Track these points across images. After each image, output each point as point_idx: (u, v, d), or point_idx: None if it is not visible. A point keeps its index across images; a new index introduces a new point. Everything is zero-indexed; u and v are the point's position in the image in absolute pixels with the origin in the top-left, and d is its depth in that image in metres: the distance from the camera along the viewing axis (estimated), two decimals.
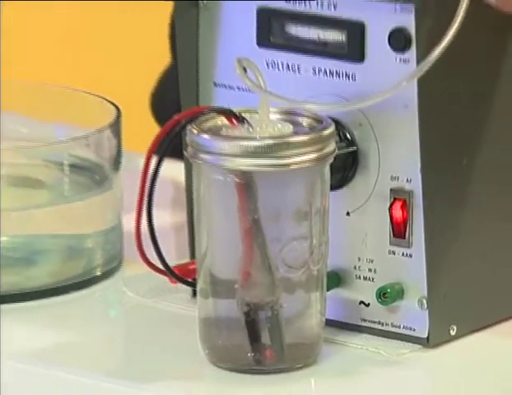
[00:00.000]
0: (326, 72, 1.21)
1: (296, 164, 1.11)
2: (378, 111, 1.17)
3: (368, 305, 1.20)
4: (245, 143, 1.11)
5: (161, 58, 1.84)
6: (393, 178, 1.18)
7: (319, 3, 1.20)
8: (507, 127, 1.25)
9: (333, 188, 1.17)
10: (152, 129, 1.61)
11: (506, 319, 1.25)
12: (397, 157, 1.18)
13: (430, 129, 1.17)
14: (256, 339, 1.13)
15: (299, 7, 1.21)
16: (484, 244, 1.24)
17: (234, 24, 1.25)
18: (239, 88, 1.21)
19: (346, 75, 1.19)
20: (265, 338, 1.13)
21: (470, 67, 1.19)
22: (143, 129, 1.56)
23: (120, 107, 1.36)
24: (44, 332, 1.25)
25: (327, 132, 1.13)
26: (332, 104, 1.18)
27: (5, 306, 1.28)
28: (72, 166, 1.36)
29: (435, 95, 1.17)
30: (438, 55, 1.11)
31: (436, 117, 1.18)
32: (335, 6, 1.19)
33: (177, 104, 1.29)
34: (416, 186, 1.17)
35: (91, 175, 1.37)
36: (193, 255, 1.23)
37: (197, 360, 1.16)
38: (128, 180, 1.30)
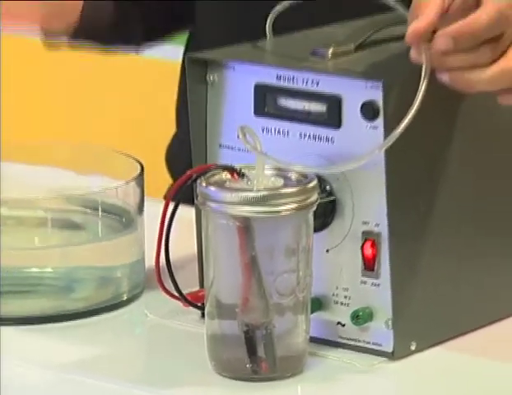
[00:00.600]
0: (310, 136, 1.21)
1: (286, 211, 1.13)
2: (352, 168, 1.18)
3: (344, 325, 1.21)
4: (244, 194, 1.13)
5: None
6: (364, 223, 1.19)
7: (305, 80, 1.21)
8: (457, 181, 1.24)
9: (316, 230, 1.18)
10: (166, 181, 1.69)
11: (458, 336, 1.26)
12: (368, 205, 1.19)
13: (394, 184, 1.17)
14: (253, 353, 1.15)
15: (288, 84, 1.21)
16: (439, 274, 1.24)
17: (235, 97, 1.25)
18: (239, 149, 1.23)
19: (326, 139, 1.21)
20: (260, 352, 1.15)
21: (427, 133, 1.20)
22: (159, 180, 1.59)
23: (143, 163, 1.37)
24: (80, 346, 1.25)
25: (311, 185, 1.15)
26: (314, 167, 1.18)
27: (50, 325, 1.28)
28: (104, 211, 1.36)
29: (398, 156, 1.17)
30: (403, 128, 1.12)
31: (399, 174, 1.18)
32: (317, 83, 1.20)
33: (188, 161, 1.29)
34: (383, 229, 1.19)
35: (120, 219, 1.37)
36: (201, 284, 1.24)
37: (206, 370, 1.17)
38: (150, 222, 1.30)
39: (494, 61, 1.15)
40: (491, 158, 1.28)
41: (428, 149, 1.22)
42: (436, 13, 1.13)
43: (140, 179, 1.35)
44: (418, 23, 1.13)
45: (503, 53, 1.15)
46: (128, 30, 1.78)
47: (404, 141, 1.16)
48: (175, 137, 1.79)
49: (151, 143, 1.79)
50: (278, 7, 1.32)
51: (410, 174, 1.21)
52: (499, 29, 1.14)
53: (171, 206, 1.19)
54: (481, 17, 1.12)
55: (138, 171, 1.35)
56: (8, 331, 1.28)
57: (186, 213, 1.24)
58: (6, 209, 1.37)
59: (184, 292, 1.23)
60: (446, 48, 1.12)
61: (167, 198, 1.20)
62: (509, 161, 1.29)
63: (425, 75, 1.14)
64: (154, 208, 1.26)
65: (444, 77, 1.15)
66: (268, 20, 1.30)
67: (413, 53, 1.14)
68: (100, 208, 1.37)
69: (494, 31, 1.14)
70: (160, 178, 1.67)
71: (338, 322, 1.22)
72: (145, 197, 1.37)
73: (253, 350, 1.16)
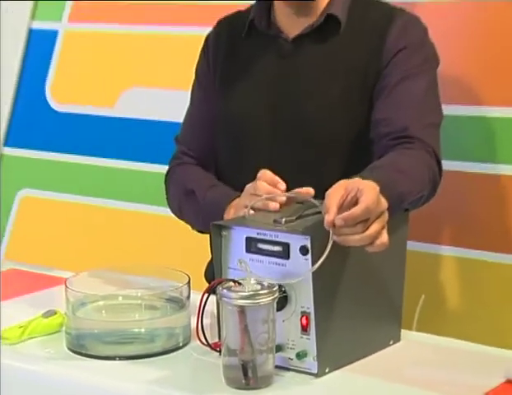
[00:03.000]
0: (273, 263, 1.21)
1: (263, 302, 1.14)
2: (295, 281, 1.18)
3: (292, 359, 1.21)
4: (240, 293, 1.14)
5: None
6: (302, 307, 1.19)
7: (271, 235, 1.20)
8: (349, 281, 1.23)
9: (278, 310, 1.18)
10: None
11: (354, 362, 1.23)
12: (303, 298, 1.19)
13: (317, 288, 1.17)
14: (246, 374, 1.15)
15: (262, 237, 1.21)
16: (342, 330, 1.22)
17: (236, 243, 1.24)
18: (239, 270, 1.20)
19: (282, 264, 1.20)
20: (250, 374, 1.15)
21: (334, 261, 1.17)
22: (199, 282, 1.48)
23: (189, 275, 1.32)
24: (163, 371, 1.22)
25: (274, 289, 1.16)
26: (276, 279, 1.18)
27: (141, 360, 1.25)
28: (169, 300, 1.33)
29: (319, 274, 1.16)
30: (321, 262, 1.14)
31: (319, 283, 1.18)
32: (277, 236, 1.20)
33: (213, 275, 1.25)
34: (311, 310, 1.18)
35: (177, 304, 1.32)
36: (219, 338, 1.23)
37: (222, 383, 1.17)
38: (194, 305, 1.25)
39: (363, 231, 1.14)
40: (365, 266, 1.25)
41: (334, 268, 1.20)
42: (337, 208, 1.13)
43: (188, 283, 1.32)
44: (329, 217, 1.12)
45: (368, 227, 1.14)
46: None
47: (323, 266, 1.16)
48: (210, 262, 1.59)
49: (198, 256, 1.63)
50: (257, 203, 1.29)
51: (325, 282, 1.19)
52: (366, 216, 1.13)
53: (204, 297, 1.21)
54: (357, 211, 1.12)
55: (187, 279, 1.31)
56: (117, 364, 1.25)
57: (212, 301, 1.21)
58: (121, 298, 1.36)
59: (210, 342, 1.23)
60: (340, 225, 1.13)
61: (203, 294, 1.20)
62: (372, 269, 1.26)
63: (331, 235, 1.16)
64: (196, 296, 1.24)
65: (337, 239, 1.15)
66: (248, 207, 1.25)
67: (326, 226, 1.15)
68: (166, 298, 1.34)
69: (363, 217, 1.13)
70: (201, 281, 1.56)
71: (289, 358, 1.21)
72: (191, 292, 1.32)
73: (245, 373, 1.15)
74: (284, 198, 1.25)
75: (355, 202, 1.12)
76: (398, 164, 1.29)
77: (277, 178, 1.28)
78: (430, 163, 1.36)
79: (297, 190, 1.26)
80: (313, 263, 1.15)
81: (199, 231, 1.57)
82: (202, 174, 1.55)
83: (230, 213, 1.39)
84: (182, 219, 1.58)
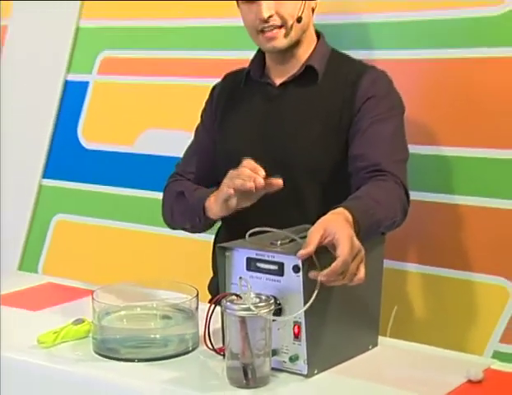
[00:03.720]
0: (270, 279, 1.18)
1: (260, 313, 1.11)
2: (289, 294, 1.16)
3: (285, 362, 1.18)
4: (241, 305, 1.12)
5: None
6: (294, 317, 1.16)
7: (268, 256, 1.18)
8: (334, 301, 1.20)
9: (273, 320, 1.14)
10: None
11: (338, 364, 1.21)
12: (296, 310, 1.15)
13: (307, 313, 1.14)
14: (246, 375, 1.13)
15: (260, 257, 1.19)
16: (328, 336, 1.20)
17: (237, 262, 1.20)
18: (240, 285, 1.15)
19: (277, 280, 1.18)
20: (249, 375, 1.13)
21: (322, 294, 1.14)
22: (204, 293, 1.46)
23: (197, 288, 1.29)
24: (171, 372, 1.18)
25: (271, 302, 1.14)
26: (272, 295, 1.15)
27: (156, 362, 1.22)
28: (180, 310, 1.30)
29: (310, 291, 1.13)
30: (313, 299, 1.12)
31: (310, 310, 1.13)
32: (274, 257, 1.18)
33: (218, 290, 1.23)
34: (302, 320, 1.16)
35: (187, 314, 1.29)
36: (223, 343, 1.18)
37: (225, 383, 1.15)
38: (202, 314, 1.22)
39: (344, 277, 1.13)
40: (345, 293, 1.21)
41: (322, 286, 1.15)
42: (315, 246, 1.12)
43: (197, 296, 1.29)
44: (304, 251, 1.12)
45: (346, 274, 1.13)
46: None
47: (312, 282, 1.14)
48: (214, 277, 1.58)
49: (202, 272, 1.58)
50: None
51: (316, 313, 1.17)
52: (344, 269, 1.12)
53: (211, 308, 1.19)
54: (336, 267, 1.11)
55: (195, 293, 1.29)
56: (136, 365, 1.22)
57: (218, 311, 1.19)
58: (139, 309, 1.34)
59: (216, 347, 1.21)
60: (325, 280, 1.12)
61: (209, 306, 1.19)
62: (354, 285, 1.19)
63: (318, 282, 1.13)
64: (203, 307, 1.22)
65: (322, 279, 1.13)
66: (247, 236, 1.20)
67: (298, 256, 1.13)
68: (176, 308, 1.32)
69: (342, 269, 1.12)
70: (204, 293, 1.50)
71: (283, 361, 1.19)
72: (199, 303, 1.29)
73: (246, 374, 1.13)
74: (262, 181, 1.23)
75: (331, 246, 1.12)
76: (374, 195, 1.29)
77: (258, 167, 1.25)
78: (399, 193, 1.36)
79: (269, 180, 1.25)
80: (303, 279, 1.13)
81: (192, 230, 1.51)
82: (191, 184, 1.52)
83: (211, 199, 1.37)
84: (174, 223, 1.53)
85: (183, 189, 1.48)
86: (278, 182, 1.25)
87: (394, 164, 1.38)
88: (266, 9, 1.39)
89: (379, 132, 1.41)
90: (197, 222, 1.43)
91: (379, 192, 1.32)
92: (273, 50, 1.46)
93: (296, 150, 1.45)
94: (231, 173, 1.29)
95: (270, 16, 1.41)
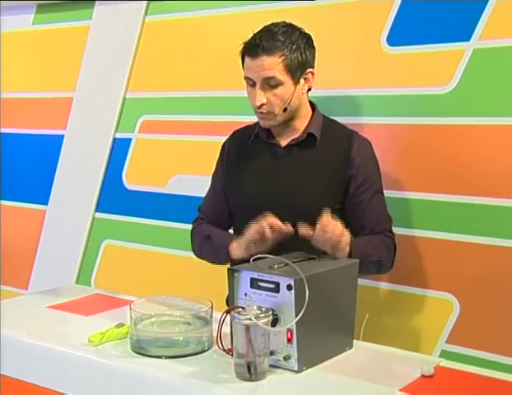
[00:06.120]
0: (268, 295, 1.15)
1: (261, 322, 1.09)
2: (283, 307, 1.13)
3: (280, 361, 1.15)
4: (246, 316, 1.09)
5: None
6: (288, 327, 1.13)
7: (267, 277, 1.13)
8: (318, 307, 1.16)
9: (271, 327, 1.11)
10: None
11: (324, 361, 1.18)
12: (289, 320, 1.13)
13: (298, 313, 1.12)
14: (249, 371, 1.10)
15: (261, 277, 1.14)
16: (315, 338, 1.16)
17: (243, 281, 1.18)
18: (245, 299, 1.14)
19: (274, 296, 1.15)
20: (252, 371, 1.11)
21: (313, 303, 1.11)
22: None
23: (214, 301, 1.25)
24: (189, 367, 1.16)
25: (269, 313, 1.11)
26: (270, 308, 1.12)
27: (178, 359, 1.19)
28: (198, 318, 1.27)
29: (299, 305, 1.11)
30: (303, 311, 1.09)
31: (302, 320, 1.12)
32: (272, 277, 1.14)
33: (230, 303, 1.20)
34: (294, 329, 1.13)
35: (204, 321, 1.26)
36: (231, 345, 1.16)
37: (233, 376, 1.12)
38: (215, 321, 1.19)
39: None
40: (329, 298, 1.19)
41: (309, 300, 1.13)
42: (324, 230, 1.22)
43: (211, 307, 1.26)
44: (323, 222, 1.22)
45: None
46: None
47: (301, 297, 1.12)
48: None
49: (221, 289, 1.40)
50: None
51: (304, 316, 1.13)
52: (330, 222, 1.22)
53: (223, 316, 1.16)
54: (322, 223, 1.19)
55: (211, 304, 1.26)
56: (163, 361, 1.20)
57: (228, 320, 1.16)
58: (167, 317, 1.30)
59: (226, 348, 1.18)
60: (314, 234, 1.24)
61: (221, 315, 1.16)
62: (334, 299, 1.20)
63: (307, 299, 1.10)
64: (216, 316, 1.20)
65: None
66: (251, 261, 1.19)
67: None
68: (194, 316, 1.28)
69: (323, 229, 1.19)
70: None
71: (279, 360, 1.17)
72: (213, 313, 1.25)
73: (249, 370, 1.11)
74: (270, 233, 1.28)
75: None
76: (368, 238, 1.40)
77: (277, 221, 1.29)
78: (388, 242, 1.45)
79: (281, 226, 1.28)
80: (295, 296, 1.11)
81: (218, 263, 1.51)
82: (214, 227, 1.53)
83: (233, 245, 1.41)
84: (203, 258, 1.54)
85: (210, 234, 1.50)
86: (290, 230, 1.28)
87: (387, 221, 1.46)
88: (258, 98, 1.38)
89: (374, 204, 1.46)
90: (222, 261, 1.48)
91: (373, 238, 1.43)
92: (267, 127, 1.46)
93: (305, 199, 1.44)
94: (253, 224, 1.33)
95: (262, 105, 1.40)
